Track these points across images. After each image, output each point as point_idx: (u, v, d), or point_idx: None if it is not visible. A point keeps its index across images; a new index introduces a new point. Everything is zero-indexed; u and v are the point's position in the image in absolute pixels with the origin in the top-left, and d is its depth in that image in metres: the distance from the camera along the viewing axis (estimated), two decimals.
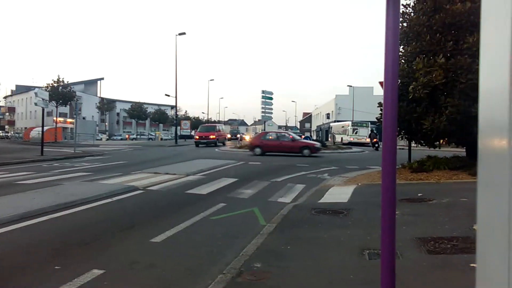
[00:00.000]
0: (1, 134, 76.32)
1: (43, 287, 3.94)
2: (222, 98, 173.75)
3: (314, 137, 62.73)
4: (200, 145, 35.89)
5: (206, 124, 49.82)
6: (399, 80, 11.25)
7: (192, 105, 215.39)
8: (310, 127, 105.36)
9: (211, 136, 37.39)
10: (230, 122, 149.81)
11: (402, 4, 12.01)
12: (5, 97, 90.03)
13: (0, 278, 4.22)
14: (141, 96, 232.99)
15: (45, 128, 30.81)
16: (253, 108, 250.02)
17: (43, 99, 22.53)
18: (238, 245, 5.37)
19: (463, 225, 5.63)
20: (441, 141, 13.83)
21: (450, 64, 10.40)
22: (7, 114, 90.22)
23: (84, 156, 23.20)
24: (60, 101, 47.29)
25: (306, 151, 23.67)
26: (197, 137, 37.26)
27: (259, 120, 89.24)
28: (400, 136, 12.84)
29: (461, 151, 15.27)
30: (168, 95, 52.16)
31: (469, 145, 12.67)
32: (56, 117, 53.08)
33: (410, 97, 10.93)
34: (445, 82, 10.36)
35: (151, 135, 75.13)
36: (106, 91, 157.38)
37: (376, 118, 13.47)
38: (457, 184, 9.73)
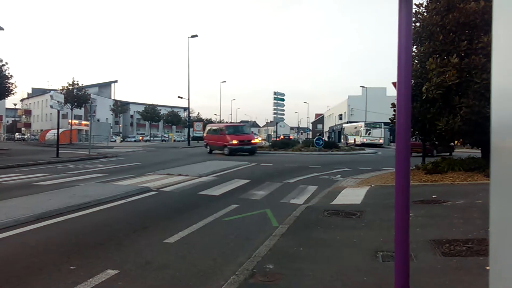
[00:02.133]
0: (17, 136, 77.64)
1: (59, 287, 3.99)
2: (234, 99, 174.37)
3: (326, 138, 62.39)
4: (238, 153, 25.63)
5: (234, 124, 39.51)
6: (413, 81, 11.15)
7: (204, 106, 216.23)
8: (323, 128, 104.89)
9: (253, 141, 27.26)
10: (242, 123, 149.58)
11: (415, 4, 11.90)
12: (21, 100, 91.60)
13: (16, 278, 4.29)
14: (155, 98, 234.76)
15: (61, 130, 31.24)
16: (265, 109, 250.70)
17: (58, 102, 22.87)
18: (250, 246, 5.38)
19: (479, 227, 5.55)
20: (456, 142, 13.67)
21: (464, 64, 10.26)
22: (23, 116, 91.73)
23: (98, 157, 23.48)
24: (75, 103, 47.95)
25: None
26: (235, 141, 25.69)
27: (271, 121, 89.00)
28: (414, 137, 12.72)
29: (476, 152, 15.06)
30: (181, 97, 52.48)
31: (484, 146, 12.48)
32: (71, 119, 53.78)
33: (423, 98, 10.81)
34: (459, 82, 10.22)
35: (164, 136, 75.69)
36: (120, 93, 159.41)
37: (390, 119, 13.36)
38: (472, 186, 9.59)
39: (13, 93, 32.69)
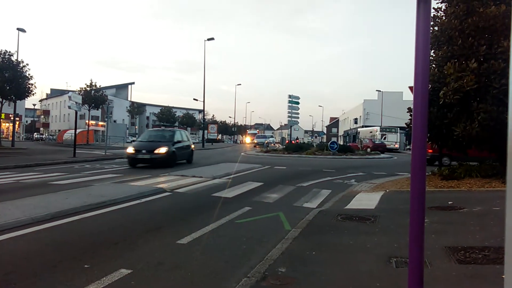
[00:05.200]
0: (36, 136, 79.17)
1: (73, 285, 4.04)
2: (249, 102, 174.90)
3: (341, 142, 62.04)
4: None
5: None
6: (430, 85, 11.00)
7: (219, 108, 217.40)
8: (337, 132, 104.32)
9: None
10: (256, 126, 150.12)
11: (433, 8, 11.76)
12: (40, 101, 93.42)
13: (33, 275, 4.37)
14: (170, 100, 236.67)
15: (78, 130, 31.75)
16: (279, 112, 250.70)
17: (76, 103, 23.25)
18: (262, 249, 5.37)
19: (496, 234, 5.44)
20: (473, 148, 13.44)
21: (483, 69, 10.10)
22: (42, 117, 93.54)
23: (114, 158, 23.76)
24: (93, 104, 48.70)
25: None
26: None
27: (285, 124, 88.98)
28: (430, 142, 12.56)
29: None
30: (196, 99, 52.88)
31: (502, 152, 12.24)
32: (88, 120, 54.65)
33: (440, 103, 10.66)
34: (478, 87, 10.06)
35: None
36: (136, 95, 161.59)
37: (406, 123, 13.20)
38: (489, 192, 9.41)
39: (33, 94, 33.43)
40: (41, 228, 6.33)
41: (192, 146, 21.55)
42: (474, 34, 10.59)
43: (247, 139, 75.99)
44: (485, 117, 9.90)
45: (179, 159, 18.95)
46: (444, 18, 11.58)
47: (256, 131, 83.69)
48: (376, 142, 42.34)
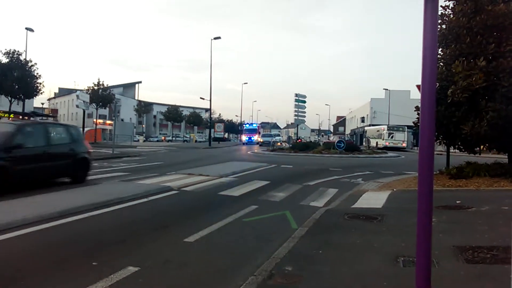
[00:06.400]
0: None
1: (81, 282, 4.08)
2: (255, 101, 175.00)
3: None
4: None
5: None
6: (438, 84, 10.94)
7: (226, 107, 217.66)
8: (344, 131, 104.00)
9: None
10: (263, 125, 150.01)
11: (441, 6, 11.67)
12: (48, 99, 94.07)
13: (42, 272, 4.41)
14: (177, 99, 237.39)
15: (86, 129, 31.98)
16: (286, 111, 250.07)
17: (84, 102, 23.46)
18: (269, 248, 5.38)
19: (504, 234, 5.39)
20: (482, 146, 13.33)
21: (492, 67, 10.01)
22: (50, 115, 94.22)
23: (121, 156, 23.89)
24: (100, 103, 48.99)
25: None
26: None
27: (291, 123, 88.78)
28: (438, 141, 12.48)
29: (503, 158, 14.66)
30: (203, 98, 52.98)
31: (511, 151, 12.14)
32: (96, 119, 54.95)
33: (448, 101, 10.60)
34: (486, 85, 9.98)
35: (186, 137, 76.57)
36: (143, 94, 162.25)
37: (413, 122, 13.13)
38: (498, 192, 9.34)
39: (41, 93, 33.77)
40: (49, 226, 6.38)
41: (87, 150, 12.35)
42: (483, 32, 10.51)
43: (244, 138, 62.50)
44: (494, 116, 9.83)
45: (26, 177, 9.96)
46: (452, 16, 11.50)
47: (254, 126, 65.49)
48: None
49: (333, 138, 64.63)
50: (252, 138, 59.40)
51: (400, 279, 4.09)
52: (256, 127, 62.83)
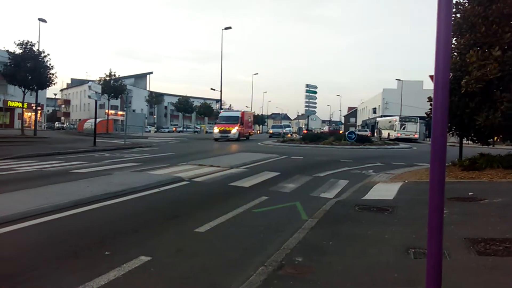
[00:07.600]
0: (57, 125, 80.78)
1: (94, 271, 4.14)
2: (265, 92, 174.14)
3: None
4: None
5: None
6: (451, 74, 10.77)
7: (236, 98, 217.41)
8: (355, 122, 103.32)
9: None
10: (273, 116, 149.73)
11: None
12: (61, 90, 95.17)
13: (57, 260, 4.50)
14: (188, 90, 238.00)
15: (98, 120, 32.24)
16: (296, 102, 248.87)
17: (96, 92, 23.62)
18: (279, 238, 5.40)
19: None
20: (496, 138, 13.13)
21: (507, 57, 9.82)
22: (63, 106, 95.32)
23: (133, 147, 24.09)
24: (112, 94, 49.37)
25: None
26: None
27: (302, 114, 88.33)
28: (451, 132, 12.32)
29: None
30: (214, 89, 53.22)
31: None
32: (108, 110, 55.38)
33: (462, 92, 10.43)
34: (501, 76, 9.80)
35: (197, 128, 76.73)
36: (154, 85, 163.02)
37: (426, 113, 12.97)
38: (511, 184, 9.22)
39: (54, 83, 34.05)
40: (63, 215, 6.49)
41: None
42: (498, 21, 10.29)
43: (215, 130, 38.51)
44: (509, 106, 9.66)
45: None
46: (467, 4, 11.27)
47: (236, 114, 41.32)
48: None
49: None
50: (228, 131, 36.87)
51: (410, 271, 4.07)
52: (239, 115, 39.58)
